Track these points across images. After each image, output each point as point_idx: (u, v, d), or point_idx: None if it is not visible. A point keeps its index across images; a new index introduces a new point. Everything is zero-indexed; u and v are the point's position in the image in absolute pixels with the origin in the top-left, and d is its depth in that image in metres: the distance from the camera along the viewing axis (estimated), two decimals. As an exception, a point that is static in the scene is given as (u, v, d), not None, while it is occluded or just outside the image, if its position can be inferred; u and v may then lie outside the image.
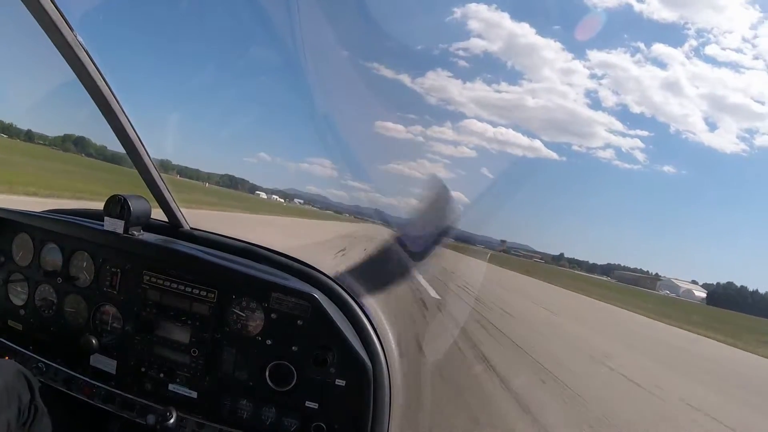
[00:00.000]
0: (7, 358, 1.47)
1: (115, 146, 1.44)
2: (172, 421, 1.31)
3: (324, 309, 1.34)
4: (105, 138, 1.43)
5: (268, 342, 1.37)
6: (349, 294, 1.46)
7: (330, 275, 1.52)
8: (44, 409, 1.34)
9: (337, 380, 1.33)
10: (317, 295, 1.36)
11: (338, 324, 1.34)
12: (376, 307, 1.49)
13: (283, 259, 1.57)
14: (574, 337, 10.07)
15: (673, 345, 13.25)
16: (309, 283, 1.44)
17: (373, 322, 1.44)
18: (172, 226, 1.68)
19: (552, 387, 5.03)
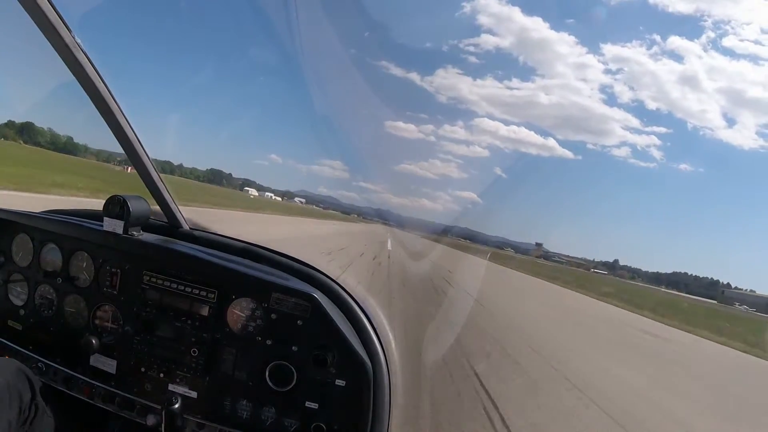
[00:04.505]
0: (6, 357, 1.47)
1: (114, 146, 1.44)
2: (177, 405, 1.29)
3: (324, 309, 1.34)
4: (105, 140, 1.43)
5: (268, 342, 1.37)
6: (349, 294, 1.46)
7: (330, 275, 1.52)
8: (45, 408, 1.34)
9: (337, 380, 1.33)
10: (317, 295, 1.36)
11: (338, 324, 1.34)
12: (376, 306, 1.49)
13: (283, 259, 1.57)
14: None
15: None
16: (309, 283, 1.44)
17: (373, 322, 1.44)
18: (172, 227, 1.68)
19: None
